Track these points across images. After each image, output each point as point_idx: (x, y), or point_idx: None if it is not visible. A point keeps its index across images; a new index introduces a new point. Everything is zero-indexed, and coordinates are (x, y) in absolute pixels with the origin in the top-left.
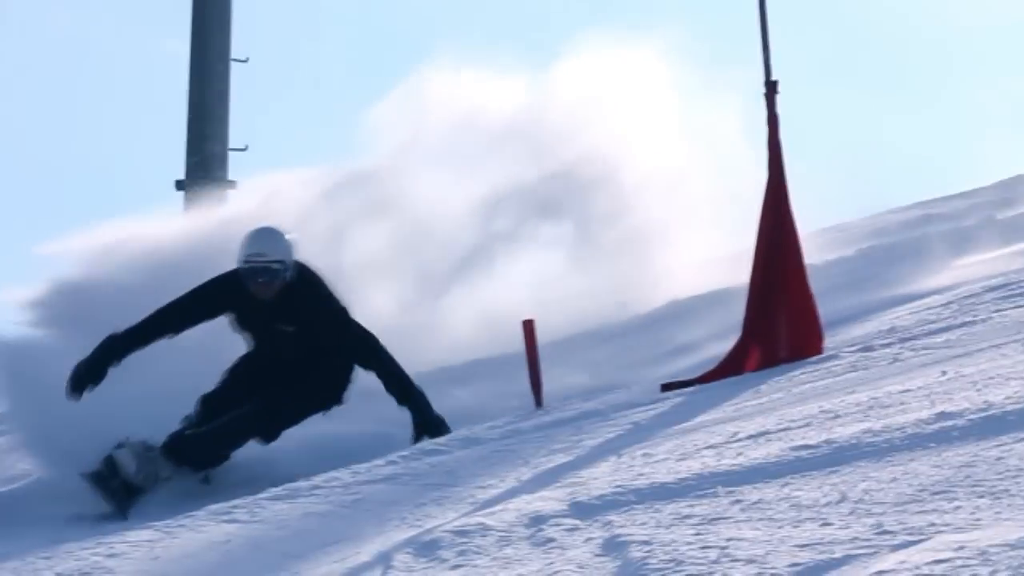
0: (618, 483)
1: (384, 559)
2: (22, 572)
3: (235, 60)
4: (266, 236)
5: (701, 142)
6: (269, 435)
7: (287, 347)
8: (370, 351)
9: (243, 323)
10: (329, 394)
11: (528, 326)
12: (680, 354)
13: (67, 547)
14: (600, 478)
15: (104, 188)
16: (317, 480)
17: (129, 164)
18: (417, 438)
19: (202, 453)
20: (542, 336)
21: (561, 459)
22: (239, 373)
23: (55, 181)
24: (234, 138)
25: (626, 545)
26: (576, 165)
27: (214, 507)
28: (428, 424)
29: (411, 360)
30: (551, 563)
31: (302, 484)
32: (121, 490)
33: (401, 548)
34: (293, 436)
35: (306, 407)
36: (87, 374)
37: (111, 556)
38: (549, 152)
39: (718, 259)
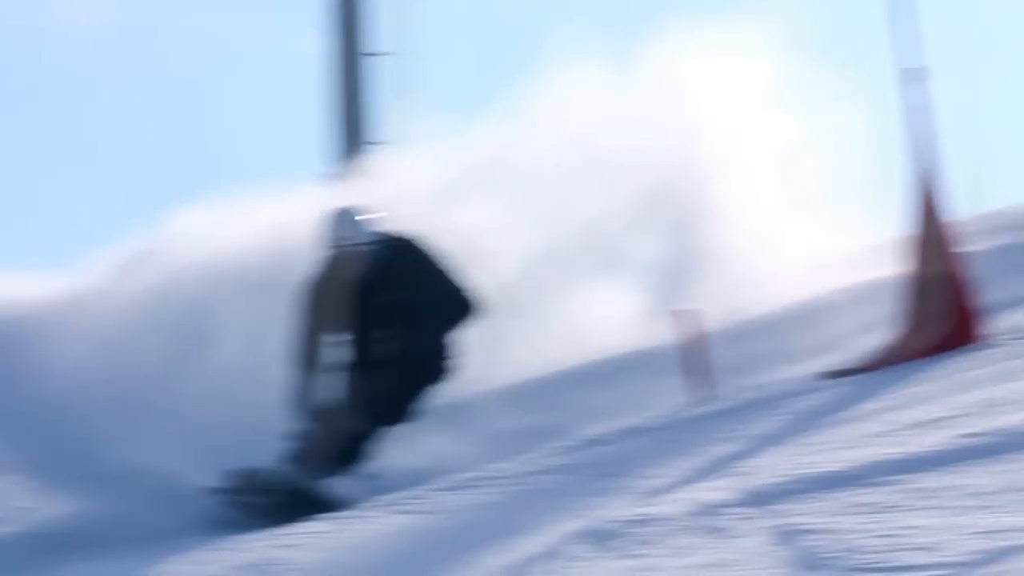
0: (787, 471)
1: (555, 549)
2: (198, 564)
3: (376, 54)
4: (351, 216)
5: (812, 134)
6: (397, 418)
7: (392, 318)
8: (457, 299)
9: (342, 309)
10: (438, 363)
11: (694, 316)
12: (832, 348)
13: (242, 540)
14: (769, 466)
15: (244, 184)
16: (488, 471)
17: (269, 160)
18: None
19: (348, 454)
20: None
21: (730, 448)
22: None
23: (190, 181)
24: (378, 132)
25: (798, 534)
26: (674, 175)
27: (386, 498)
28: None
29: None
30: (722, 552)
31: (473, 475)
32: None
33: (572, 538)
34: None
35: (422, 380)
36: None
37: (285, 548)
38: (650, 157)
39: (846, 254)
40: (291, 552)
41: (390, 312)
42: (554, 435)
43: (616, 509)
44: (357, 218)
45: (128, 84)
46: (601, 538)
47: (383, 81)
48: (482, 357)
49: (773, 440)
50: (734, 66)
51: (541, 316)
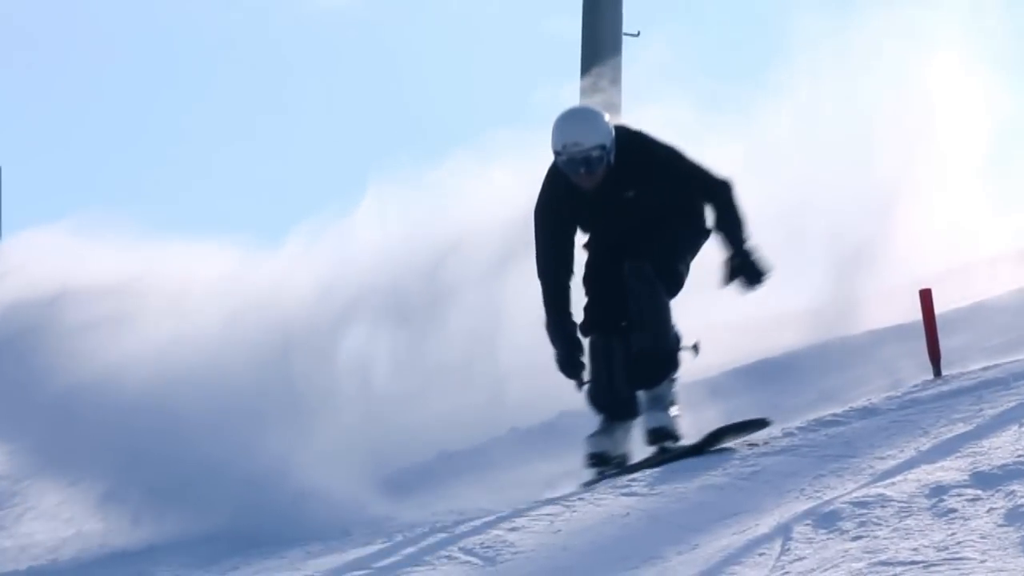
0: (1020, 452)
1: (783, 531)
2: (425, 547)
3: (627, 35)
4: (579, 120)
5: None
6: (670, 282)
7: (633, 216)
8: (707, 189)
9: (580, 218)
10: (696, 222)
11: (926, 295)
12: None
13: (470, 522)
14: (1002, 447)
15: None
16: (716, 452)
17: (520, 138)
18: (728, 277)
19: (662, 358)
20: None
21: (961, 429)
22: (595, 278)
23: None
24: (627, 113)
25: None
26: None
27: (613, 480)
28: (740, 259)
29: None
30: (953, 534)
31: (699, 458)
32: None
33: (800, 519)
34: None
35: (684, 241)
36: (577, 366)
37: (513, 530)
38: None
39: None
40: (517, 535)
41: (631, 203)
42: (785, 416)
43: (845, 490)
44: (588, 120)
45: (378, 67)
46: (828, 519)
47: (634, 62)
48: (707, 340)
49: (1005, 421)
50: (943, 48)
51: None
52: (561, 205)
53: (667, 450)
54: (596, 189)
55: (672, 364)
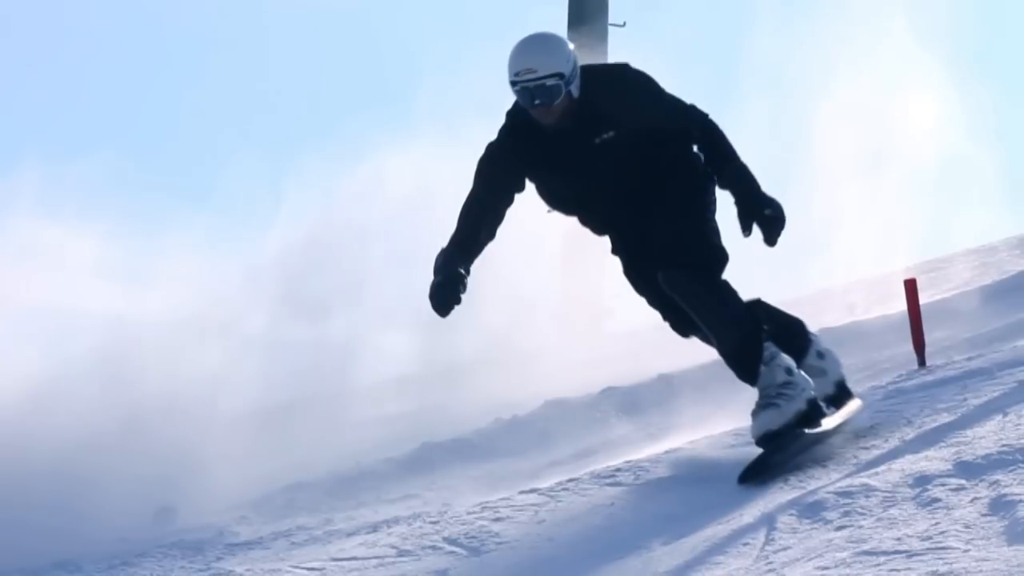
0: (1004, 442)
1: (768, 520)
2: (410, 537)
3: (613, 25)
4: (535, 47)
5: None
6: (711, 264)
7: (617, 162)
8: (691, 123)
9: (541, 169)
10: (696, 177)
11: (910, 285)
12: None
13: (453, 512)
14: (986, 437)
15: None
16: (702, 443)
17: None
18: (743, 222)
19: (748, 349)
20: None
21: (945, 419)
22: (651, 290)
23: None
24: None
25: (1014, 504)
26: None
27: (598, 469)
28: (749, 203)
29: None
30: (937, 523)
31: (688, 447)
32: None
33: (784, 509)
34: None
35: (703, 208)
36: (452, 295)
37: (497, 520)
38: None
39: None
40: (502, 525)
41: (613, 145)
42: None
43: (829, 480)
44: (546, 47)
45: (359, 53)
46: (812, 509)
47: (619, 52)
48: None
49: (989, 411)
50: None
51: None
52: (515, 153)
53: (782, 447)
54: (561, 128)
55: (759, 345)
